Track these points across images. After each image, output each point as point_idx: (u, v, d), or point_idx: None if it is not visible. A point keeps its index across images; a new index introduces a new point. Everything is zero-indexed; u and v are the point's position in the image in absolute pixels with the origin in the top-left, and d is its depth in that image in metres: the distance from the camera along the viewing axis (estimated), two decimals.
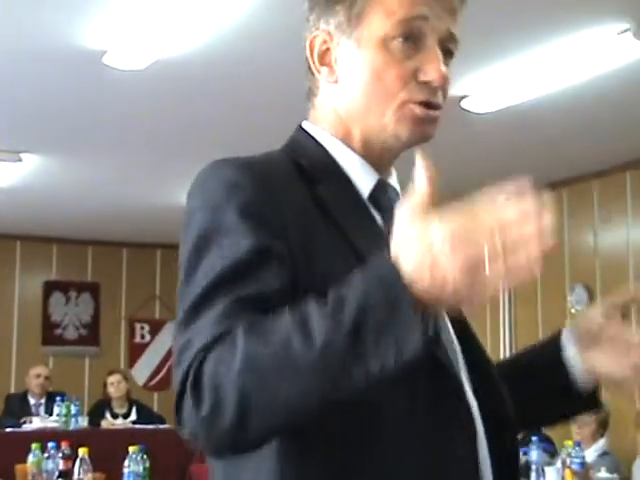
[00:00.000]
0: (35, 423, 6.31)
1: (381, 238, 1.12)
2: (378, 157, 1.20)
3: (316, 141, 1.20)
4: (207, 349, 0.95)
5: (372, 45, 1.15)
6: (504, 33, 3.93)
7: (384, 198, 1.19)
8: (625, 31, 3.82)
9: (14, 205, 7.27)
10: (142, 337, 9.12)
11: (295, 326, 0.91)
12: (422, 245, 0.87)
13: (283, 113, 5.03)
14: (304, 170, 1.15)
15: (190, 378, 0.95)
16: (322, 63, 1.20)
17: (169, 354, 9.06)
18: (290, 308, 0.95)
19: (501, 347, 6.82)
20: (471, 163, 5.99)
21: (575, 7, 3.67)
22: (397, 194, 1.22)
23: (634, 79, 4.37)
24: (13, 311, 8.51)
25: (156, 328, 9.13)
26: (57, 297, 8.78)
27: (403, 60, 1.14)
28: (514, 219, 0.84)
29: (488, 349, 1.19)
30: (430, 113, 1.15)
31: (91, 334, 8.88)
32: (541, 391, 1.28)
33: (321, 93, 1.22)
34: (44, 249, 8.69)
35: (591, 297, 6.26)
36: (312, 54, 1.20)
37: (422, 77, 1.14)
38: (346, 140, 1.20)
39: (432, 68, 1.13)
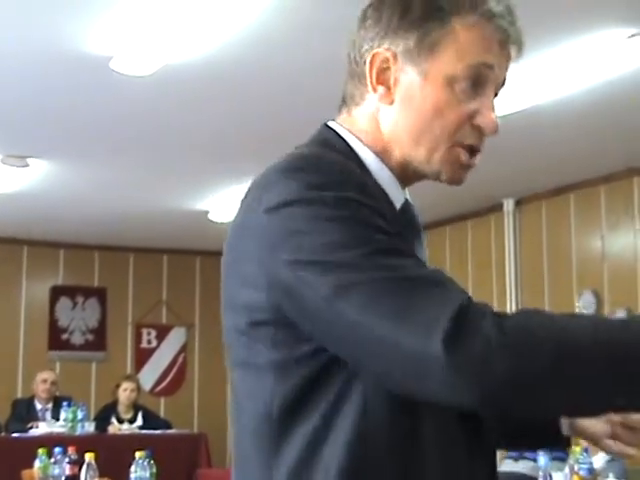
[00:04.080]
0: (42, 428, 6.32)
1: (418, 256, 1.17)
2: (408, 178, 1.22)
3: (350, 148, 1.20)
4: (470, 300, 0.99)
5: (439, 81, 1.16)
6: None
7: (409, 215, 1.23)
8: (635, 35, 3.82)
9: (21, 210, 7.28)
10: (149, 342, 9.11)
11: (597, 321, 1.02)
12: None
13: (289, 119, 5.02)
14: None
15: (488, 310, 0.97)
16: (379, 81, 1.20)
17: (175, 359, 9.08)
18: None
19: None
20: (480, 166, 5.97)
21: (585, 11, 3.66)
22: (414, 209, 1.25)
23: None
24: (20, 316, 8.52)
25: (163, 333, 9.12)
26: (64, 302, 8.78)
27: (464, 102, 1.17)
28: None
29: None
30: (472, 162, 1.22)
31: (98, 339, 8.88)
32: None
33: (366, 105, 1.22)
34: (51, 254, 8.69)
35: (599, 303, 6.23)
36: (371, 70, 1.20)
37: (478, 121, 1.18)
38: (381, 155, 1.20)
39: (488, 117, 1.18)
